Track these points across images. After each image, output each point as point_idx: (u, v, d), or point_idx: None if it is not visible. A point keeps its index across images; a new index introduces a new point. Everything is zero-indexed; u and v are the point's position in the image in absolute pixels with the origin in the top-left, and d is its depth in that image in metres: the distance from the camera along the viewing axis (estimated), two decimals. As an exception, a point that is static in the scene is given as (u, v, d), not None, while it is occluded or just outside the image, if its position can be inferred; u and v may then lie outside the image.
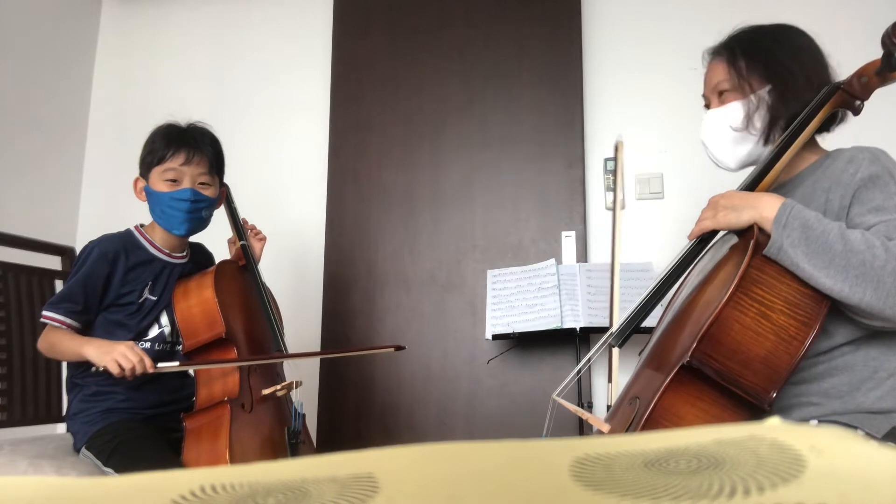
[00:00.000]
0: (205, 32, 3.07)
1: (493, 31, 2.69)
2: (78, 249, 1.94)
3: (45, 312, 1.59)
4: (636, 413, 1.03)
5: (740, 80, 1.27)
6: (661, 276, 1.22)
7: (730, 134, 1.28)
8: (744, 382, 0.98)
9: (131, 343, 1.55)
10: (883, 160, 1.14)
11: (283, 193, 2.83)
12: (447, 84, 2.68)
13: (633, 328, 1.21)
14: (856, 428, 1.05)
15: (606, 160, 2.54)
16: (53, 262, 1.93)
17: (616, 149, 1.51)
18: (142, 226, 1.75)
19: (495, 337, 2.17)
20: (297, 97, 2.90)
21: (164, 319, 1.70)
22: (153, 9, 3.15)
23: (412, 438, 2.50)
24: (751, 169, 1.28)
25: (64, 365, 1.84)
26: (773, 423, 0.26)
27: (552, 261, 2.24)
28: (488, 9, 2.70)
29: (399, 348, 1.74)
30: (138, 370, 1.49)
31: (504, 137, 2.61)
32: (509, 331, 2.13)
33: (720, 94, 1.30)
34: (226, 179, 1.99)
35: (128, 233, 1.72)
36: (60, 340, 1.59)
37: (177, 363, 1.57)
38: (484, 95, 2.65)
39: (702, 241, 1.22)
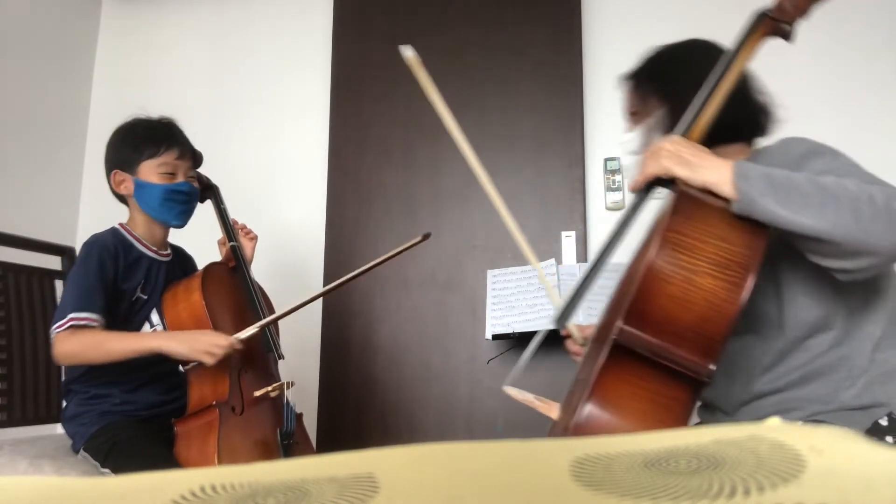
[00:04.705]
0: (205, 33, 3.07)
1: (493, 32, 2.69)
2: (78, 249, 1.94)
3: (74, 315, 1.50)
4: (579, 396, 0.99)
5: (641, 104, 1.30)
6: (604, 243, 1.15)
7: (636, 158, 1.30)
8: (677, 355, 0.94)
9: (208, 331, 1.57)
10: (809, 141, 1.14)
11: (282, 193, 2.83)
12: (447, 84, 2.67)
13: (577, 305, 1.15)
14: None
15: (606, 160, 2.54)
16: (53, 262, 1.93)
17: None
18: (123, 224, 1.73)
19: (495, 337, 2.17)
20: (297, 97, 2.89)
21: (155, 318, 1.69)
22: (153, 9, 3.15)
23: (412, 438, 2.50)
24: None
25: (63, 368, 1.84)
26: (773, 423, 0.26)
27: (552, 261, 2.24)
28: (488, 9, 2.70)
29: (426, 237, 1.75)
30: (229, 352, 1.54)
31: (504, 137, 2.61)
32: (509, 331, 2.13)
33: (632, 115, 1.34)
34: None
35: (116, 231, 1.71)
36: (107, 339, 1.53)
37: (255, 328, 1.63)
38: (484, 95, 2.65)
39: (641, 195, 1.15)
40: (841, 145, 1.13)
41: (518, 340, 2.32)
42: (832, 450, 0.24)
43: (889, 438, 1.04)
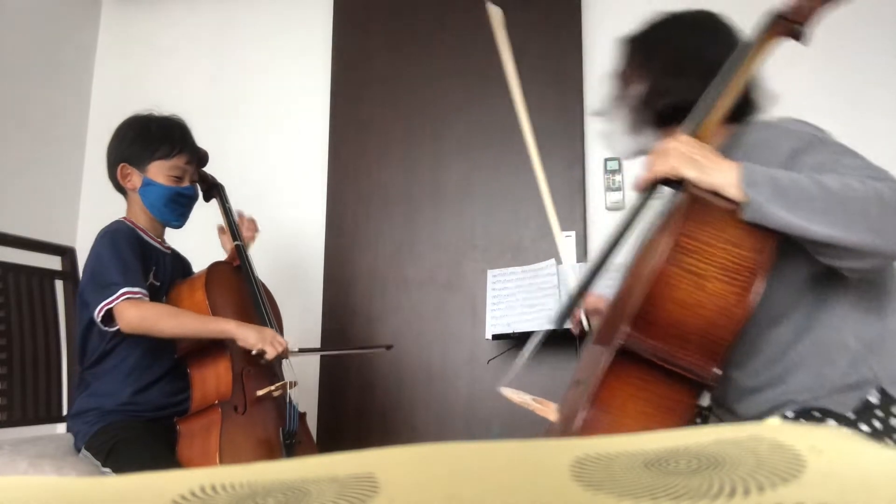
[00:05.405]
0: (204, 32, 3.07)
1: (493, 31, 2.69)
2: (78, 249, 1.94)
3: (128, 289, 1.54)
4: (581, 398, 0.99)
5: (625, 72, 1.33)
6: (607, 244, 1.13)
7: (607, 126, 1.36)
8: (684, 360, 0.95)
9: (268, 328, 1.65)
10: (793, 131, 1.09)
11: (282, 193, 2.82)
12: (447, 84, 2.68)
13: (577, 306, 1.14)
14: (830, 412, 1.02)
15: (606, 160, 2.54)
16: (53, 262, 1.93)
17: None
18: (127, 217, 1.76)
19: (495, 337, 2.17)
20: (297, 96, 2.89)
21: None
22: (153, 9, 3.15)
23: (412, 438, 2.50)
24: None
25: (64, 363, 1.84)
26: (773, 423, 0.26)
27: (552, 261, 2.24)
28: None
29: (388, 347, 1.82)
30: (283, 354, 1.63)
31: (504, 137, 2.60)
32: (509, 331, 2.13)
33: (615, 79, 1.36)
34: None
35: (125, 222, 1.73)
36: (183, 312, 1.62)
37: (312, 349, 1.76)
38: (484, 95, 2.64)
39: (646, 194, 1.13)
40: (846, 140, 1.11)
41: (518, 340, 2.32)
42: (832, 450, 0.24)
43: (879, 412, 1.00)
